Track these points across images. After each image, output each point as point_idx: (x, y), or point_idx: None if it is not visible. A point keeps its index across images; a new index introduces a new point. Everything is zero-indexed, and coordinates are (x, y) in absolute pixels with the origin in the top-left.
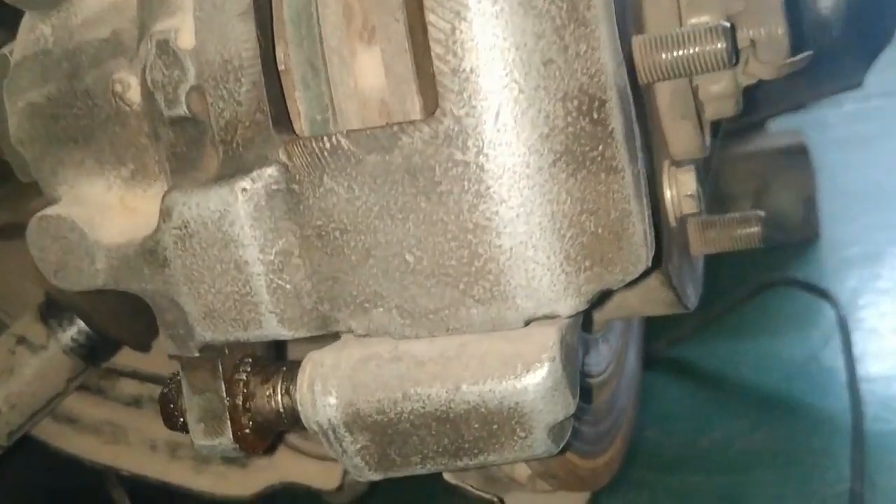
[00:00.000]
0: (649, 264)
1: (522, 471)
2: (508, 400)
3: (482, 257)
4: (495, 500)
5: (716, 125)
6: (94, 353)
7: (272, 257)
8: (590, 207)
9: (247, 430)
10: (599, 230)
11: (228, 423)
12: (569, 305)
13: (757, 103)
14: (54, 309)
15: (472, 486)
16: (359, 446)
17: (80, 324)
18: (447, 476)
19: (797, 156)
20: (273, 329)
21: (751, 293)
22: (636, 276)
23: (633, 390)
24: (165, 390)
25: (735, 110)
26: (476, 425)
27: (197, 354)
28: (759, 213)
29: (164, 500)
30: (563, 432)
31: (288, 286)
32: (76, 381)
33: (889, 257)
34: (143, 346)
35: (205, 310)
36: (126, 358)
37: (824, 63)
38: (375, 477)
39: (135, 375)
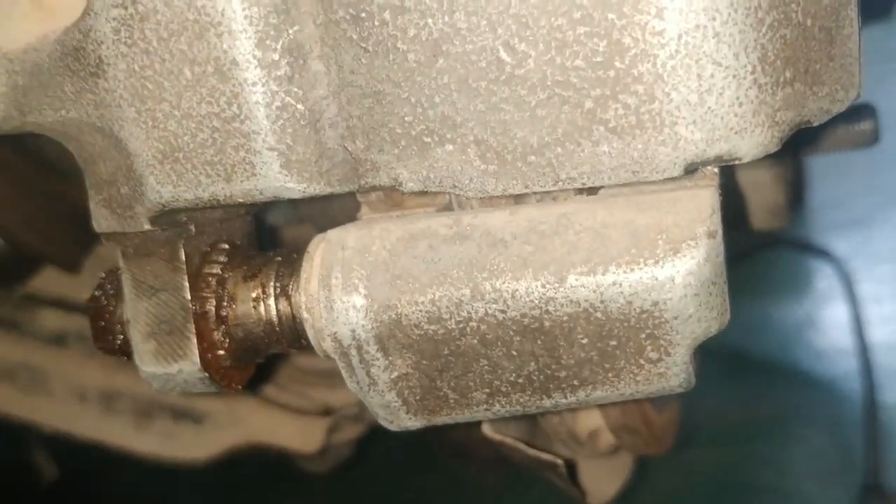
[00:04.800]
0: (860, 92)
1: (585, 423)
2: (641, 298)
3: (629, 52)
4: (559, 462)
5: None
6: (4, 271)
7: (276, 56)
8: None
9: (221, 352)
10: (809, 21)
11: (194, 338)
12: (755, 141)
13: None
14: None
15: (525, 444)
16: (395, 374)
17: None
18: (487, 429)
19: None
20: (273, 179)
21: (741, 254)
22: (844, 107)
23: None
24: (97, 292)
25: None
26: (584, 340)
27: (147, 228)
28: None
29: (96, 464)
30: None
31: (300, 106)
32: None
33: (879, 222)
34: (71, 263)
35: (163, 147)
36: (48, 281)
37: None
38: (414, 424)
39: (59, 305)
